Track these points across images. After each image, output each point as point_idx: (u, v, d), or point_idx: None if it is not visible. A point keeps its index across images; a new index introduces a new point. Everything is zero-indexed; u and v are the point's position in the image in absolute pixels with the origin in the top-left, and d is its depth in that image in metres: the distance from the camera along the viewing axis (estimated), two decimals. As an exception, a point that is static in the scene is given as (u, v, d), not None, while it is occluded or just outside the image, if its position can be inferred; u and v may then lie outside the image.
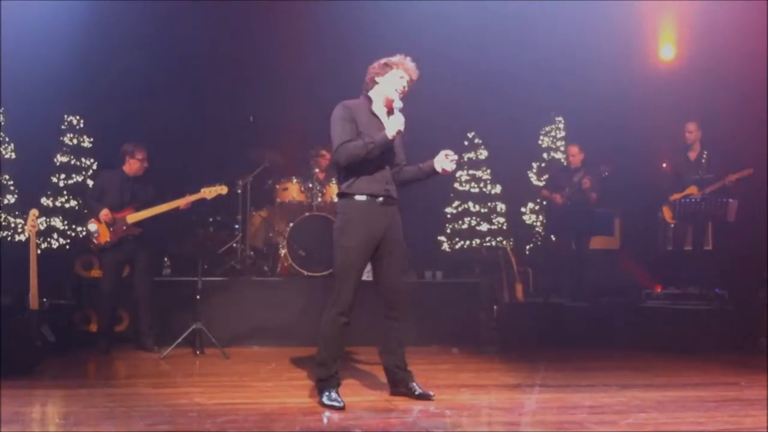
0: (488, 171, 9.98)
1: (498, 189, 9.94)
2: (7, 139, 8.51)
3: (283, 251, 8.12)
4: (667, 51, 10.20)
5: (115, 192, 7.30)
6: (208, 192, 7.14)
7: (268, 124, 8.99)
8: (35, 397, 4.95)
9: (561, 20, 9.26)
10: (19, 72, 8.37)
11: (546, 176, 10.07)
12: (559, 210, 9.03)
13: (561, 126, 10.47)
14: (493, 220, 9.76)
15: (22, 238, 8.17)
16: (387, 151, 4.70)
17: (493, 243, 9.65)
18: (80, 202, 8.62)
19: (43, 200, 8.51)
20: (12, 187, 8.43)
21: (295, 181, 8.49)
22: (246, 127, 8.72)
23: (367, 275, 5.05)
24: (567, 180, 8.97)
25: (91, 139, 8.99)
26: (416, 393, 4.78)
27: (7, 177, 8.40)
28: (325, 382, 4.59)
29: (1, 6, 8.21)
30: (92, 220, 7.23)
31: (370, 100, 4.81)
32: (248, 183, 8.54)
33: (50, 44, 8.59)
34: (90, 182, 8.82)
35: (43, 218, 8.27)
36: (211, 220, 8.62)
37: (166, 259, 8.30)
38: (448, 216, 9.99)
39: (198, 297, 7.03)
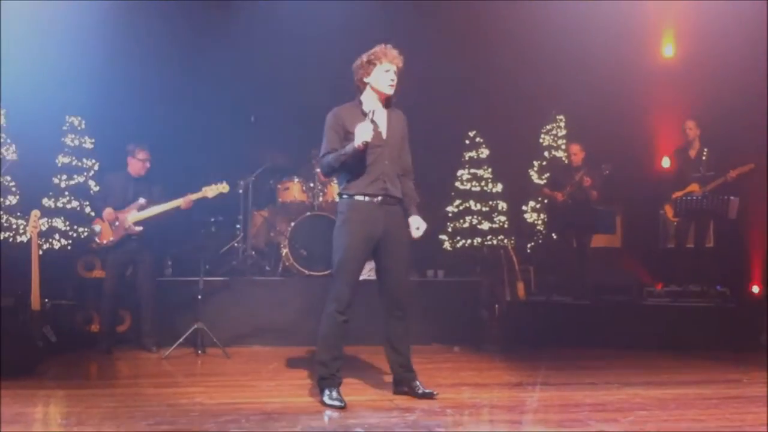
0: (489, 169, 9.95)
1: (499, 187, 9.92)
2: (8, 140, 8.49)
3: (284, 251, 8.13)
4: (667, 49, 10.19)
5: (119, 193, 7.35)
6: (210, 190, 7.16)
7: (270, 124, 8.99)
8: (37, 397, 4.96)
9: (562, 19, 9.23)
10: (20, 72, 8.37)
11: (547, 175, 10.05)
12: (561, 208, 9.03)
13: (562, 124, 10.45)
14: (495, 219, 9.74)
15: (24, 239, 8.16)
16: (383, 150, 4.69)
17: (495, 241, 9.63)
18: (81, 203, 8.62)
19: (45, 201, 8.49)
20: (13, 188, 8.42)
21: (296, 180, 8.50)
22: (247, 127, 8.72)
23: (367, 274, 5.06)
24: (568, 178, 8.96)
25: (93, 140, 8.96)
26: (419, 392, 4.78)
27: (8, 178, 8.39)
28: (325, 381, 4.60)
29: (1, 6, 8.21)
30: (96, 220, 7.28)
31: (362, 103, 4.78)
32: (250, 183, 8.54)
33: (51, 44, 8.59)
34: (92, 183, 8.81)
35: (45, 219, 8.25)
36: (212, 220, 8.63)
37: (167, 259, 8.30)
38: (450, 215, 9.97)
39: (199, 297, 7.05)
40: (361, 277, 4.78)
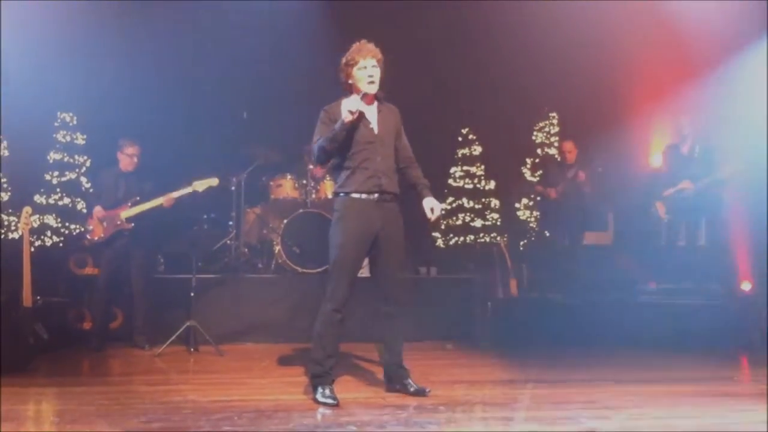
0: (482, 167, 9.98)
1: (492, 185, 9.95)
2: (0, 136, 8.47)
3: (277, 248, 8.12)
4: (660, 46, 10.20)
5: (110, 189, 7.34)
6: (199, 185, 7.12)
7: (262, 120, 8.98)
8: (29, 395, 4.94)
9: (554, 16, 9.25)
10: (12, 69, 8.34)
11: (540, 172, 10.07)
12: (553, 206, 9.05)
13: (555, 122, 10.48)
14: (488, 216, 9.77)
15: (16, 235, 8.14)
16: (375, 147, 4.69)
17: (487, 239, 9.66)
18: (73, 200, 8.60)
19: (37, 198, 8.48)
20: (5, 185, 8.40)
21: (289, 177, 8.49)
22: (239, 124, 8.70)
23: (361, 272, 5.05)
24: (561, 176, 8.98)
25: (85, 136, 8.96)
26: (411, 390, 4.79)
27: (0, 175, 8.37)
28: (319, 379, 4.60)
29: (1, 5, 8.18)
30: (89, 218, 7.27)
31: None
32: (242, 179, 8.53)
33: (43, 41, 8.55)
34: (83, 179, 8.79)
35: (37, 216, 8.24)
36: (205, 217, 8.61)
37: (160, 256, 8.28)
38: (443, 212, 9.98)
39: (192, 294, 7.03)
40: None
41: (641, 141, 10.11)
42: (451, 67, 9.78)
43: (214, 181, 7.16)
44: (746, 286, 8.51)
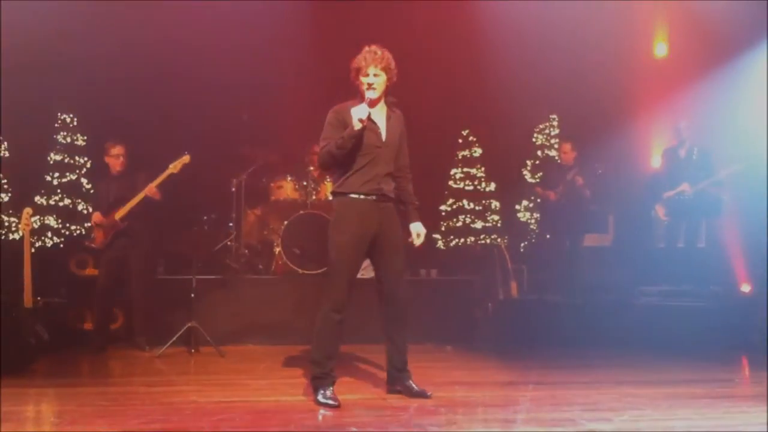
0: (482, 168, 9.98)
1: (492, 186, 9.95)
2: (0, 138, 8.48)
3: (277, 249, 8.12)
4: (660, 49, 10.23)
5: (104, 194, 7.37)
6: (174, 167, 7.08)
7: (262, 122, 8.98)
8: (29, 395, 4.94)
9: (555, 18, 9.26)
10: (12, 70, 8.34)
11: (540, 174, 10.07)
12: (553, 207, 9.04)
13: (555, 123, 10.48)
14: (488, 218, 9.77)
15: (16, 236, 8.15)
16: (380, 151, 4.70)
17: (488, 240, 9.66)
18: (74, 201, 8.61)
19: (37, 199, 8.48)
20: (6, 186, 8.41)
21: (289, 179, 8.50)
22: (240, 125, 8.71)
23: (360, 273, 5.05)
24: (561, 177, 8.98)
25: (85, 138, 8.96)
26: (413, 391, 4.79)
27: (0, 176, 8.38)
28: (320, 380, 4.60)
29: (1, 5, 8.19)
30: (93, 225, 7.32)
31: (354, 103, 4.75)
32: (242, 181, 8.54)
33: (44, 43, 8.56)
34: (84, 180, 8.80)
35: (37, 217, 8.25)
36: (205, 218, 8.62)
37: (160, 257, 8.29)
38: (443, 213, 9.99)
39: (192, 295, 7.03)
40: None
41: (641, 143, 10.12)
42: (451, 69, 9.78)
43: (186, 158, 7.09)
44: (745, 288, 8.52)
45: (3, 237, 8.17)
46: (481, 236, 9.65)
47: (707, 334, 7.49)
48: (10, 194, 8.42)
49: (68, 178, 8.65)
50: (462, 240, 9.65)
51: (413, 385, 4.82)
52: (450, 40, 9.67)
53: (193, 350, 6.97)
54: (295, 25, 9.30)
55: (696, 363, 6.50)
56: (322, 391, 4.55)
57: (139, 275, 7.29)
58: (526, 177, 10.42)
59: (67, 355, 6.77)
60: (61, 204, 8.52)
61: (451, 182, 9.96)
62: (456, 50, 9.72)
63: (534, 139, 10.52)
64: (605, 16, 9.20)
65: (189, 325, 6.92)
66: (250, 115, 8.80)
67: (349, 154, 4.65)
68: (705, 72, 8.99)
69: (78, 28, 8.67)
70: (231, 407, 4.48)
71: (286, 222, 8.05)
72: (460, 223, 9.71)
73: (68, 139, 8.83)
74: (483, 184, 9.91)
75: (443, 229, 9.91)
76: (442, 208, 10.02)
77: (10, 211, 8.29)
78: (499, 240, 9.68)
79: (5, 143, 8.54)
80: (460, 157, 9.99)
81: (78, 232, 8.46)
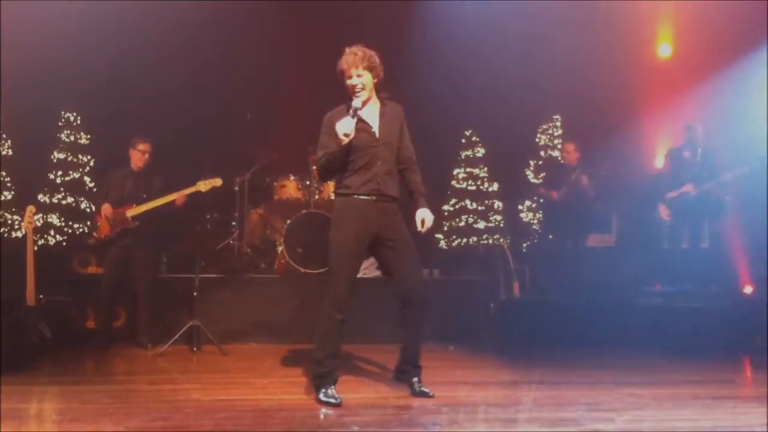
0: (485, 168, 9.98)
1: (495, 186, 9.95)
2: (4, 136, 8.49)
3: (280, 248, 8.13)
4: (664, 49, 10.22)
5: (117, 187, 7.35)
6: (203, 185, 7.14)
7: (265, 121, 8.99)
8: (32, 393, 4.95)
9: (559, 18, 9.26)
10: (16, 69, 8.36)
11: (543, 174, 10.07)
12: (556, 207, 9.04)
13: (558, 124, 10.48)
14: (490, 218, 9.76)
15: (19, 234, 8.16)
16: (376, 151, 4.69)
17: (490, 240, 9.66)
18: (77, 199, 8.62)
19: (40, 197, 8.50)
20: (9, 184, 8.42)
21: (292, 178, 8.50)
22: (243, 124, 8.72)
23: (362, 272, 5.05)
24: (564, 178, 8.97)
25: (88, 136, 8.98)
26: (416, 390, 4.79)
27: (3, 174, 8.39)
28: (321, 379, 4.60)
29: (1, 5, 8.20)
30: (96, 214, 7.31)
31: (349, 106, 4.74)
32: (246, 180, 8.54)
33: (48, 41, 8.57)
34: (87, 179, 8.81)
35: (40, 215, 8.26)
36: (208, 217, 8.63)
37: (163, 256, 8.30)
38: (446, 213, 9.99)
39: (195, 294, 7.04)
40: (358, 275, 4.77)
41: (644, 144, 10.11)
42: (454, 69, 9.78)
43: (217, 182, 7.19)
44: (748, 290, 8.52)
45: (6, 235, 8.18)
46: (484, 236, 9.64)
47: (709, 335, 7.49)
48: (13, 192, 8.43)
49: (71, 177, 8.66)
50: (465, 240, 9.65)
51: (417, 384, 4.82)
52: (453, 39, 9.66)
53: (195, 349, 6.98)
54: (297, 24, 9.32)
55: (698, 364, 6.49)
56: (323, 390, 4.56)
57: (143, 274, 7.30)
58: (528, 177, 10.42)
59: (69, 353, 6.77)
60: (64, 202, 8.53)
61: (454, 182, 9.96)
62: (459, 50, 9.71)
63: (537, 140, 10.52)
64: (609, 16, 9.20)
65: (191, 323, 6.93)
66: (253, 114, 8.81)
67: (345, 158, 4.66)
68: (709, 73, 8.98)
69: (80, 26, 8.68)
70: (233, 406, 4.49)
71: (288, 221, 8.05)
72: (462, 223, 9.71)
73: (71, 138, 8.84)
74: (486, 184, 9.91)
75: (446, 228, 9.91)
76: (445, 208, 10.02)
77: (13, 209, 8.31)
78: (501, 240, 9.68)
79: (9, 141, 8.55)
80: (463, 157, 9.99)
81: (81, 230, 8.47)
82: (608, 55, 9.40)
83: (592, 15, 9.14)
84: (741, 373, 5.90)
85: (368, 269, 7.53)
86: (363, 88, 4.67)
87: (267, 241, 8.79)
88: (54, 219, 8.39)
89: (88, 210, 8.59)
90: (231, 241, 8.43)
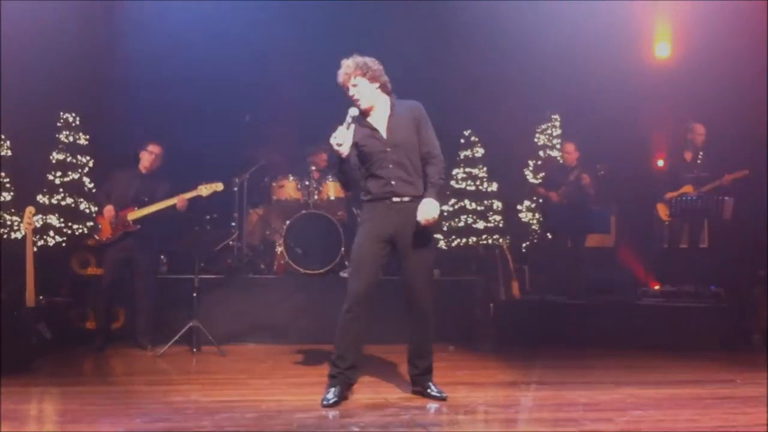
0: (484, 169, 9.96)
1: (494, 187, 9.93)
2: (2, 137, 8.48)
3: (279, 249, 8.13)
4: (662, 49, 10.22)
5: (122, 190, 7.35)
6: (205, 189, 7.17)
7: (265, 122, 8.98)
8: (31, 394, 4.95)
9: (557, 18, 9.25)
10: (15, 69, 8.35)
11: (542, 174, 10.06)
12: (555, 208, 9.04)
13: (557, 124, 10.46)
14: (490, 218, 9.75)
15: (18, 235, 8.14)
16: (385, 155, 4.72)
17: (490, 241, 9.64)
18: (76, 200, 8.61)
19: (39, 198, 8.48)
20: (8, 185, 8.40)
21: (291, 178, 8.50)
22: (242, 125, 8.71)
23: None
24: (563, 178, 8.97)
25: (87, 137, 8.95)
26: (431, 394, 4.81)
27: (2, 174, 8.37)
28: (332, 379, 4.67)
29: (1, 5, 8.19)
30: (97, 216, 7.30)
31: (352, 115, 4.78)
32: (245, 181, 8.54)
33: (47, 41, 8.56)
34: (86, 179, 8.80)
35: (39, 216, 8.25)
36: (207, 217, 8.62)
37: (162, 257, 8.30)
38: (445, 214, 9.97)
39: (195, 295, 7.04)
40: None
41: (643, 144, 10.11)
42: (453, 69, 9.77)
43: (218, 186, 7.23)
44: (747, 289, 8.52)
45: (5, 236, 8.17)
46: (483, 236, 9.63)
47: (709, 335, 7.50)
48: (12, 193, 8.41)
49: (70, 177, 8.64)
50: (464, 240, 9.63)
51: (432, 387, 4.83)
52: (452, 40, 9.66)
53: (195, 349, 6.98)
54: (299, 24, 9.31)
55: (698, 364, 6.50)
56: (327, 390, 4.58)
57: (143, 275, 7.30)
58: (528, 177, 10.41)
59: (69, 354, 6.77)
60: (63, 203, 8.51)
61: (453, 182, 9.95)
62: (458, 50, 9.71)
63: (536, 140, 10.51)
64: (607, 16, 9.19)
65: (191, 324, 6.93)
66: (252, 115, 8.80)
67: (360, 165, 4.78)
68: (708, 73, 8.98)
69: (80, 26, 8.68)
70: (233, 406, 4.49)
71: (288, 221, 8.05)
72: (462, 224, 9.70)
73: (71, 138, 8.82)
74: (485, 185, 9.89)
75: (445, 229, 9.89)
76: (444, 208, 9.99)
77: (13, 210, 8.29)
78: (501, 240, 9.66)
79: (7, 142, 8.53)
80: (462, 157, 9.97)
81: (80, 231, 8.46)
82: (607, 55, 9.38)
83: (590, 15, 9.12)
84: (741, 373, 5.89)
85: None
86: (360, 97, 4.72)
87: (266, 242, 8.79)
88: (53, 220, 8.37)
89: (87, 211, 8.58)
90: (230, 242, 8.42)
